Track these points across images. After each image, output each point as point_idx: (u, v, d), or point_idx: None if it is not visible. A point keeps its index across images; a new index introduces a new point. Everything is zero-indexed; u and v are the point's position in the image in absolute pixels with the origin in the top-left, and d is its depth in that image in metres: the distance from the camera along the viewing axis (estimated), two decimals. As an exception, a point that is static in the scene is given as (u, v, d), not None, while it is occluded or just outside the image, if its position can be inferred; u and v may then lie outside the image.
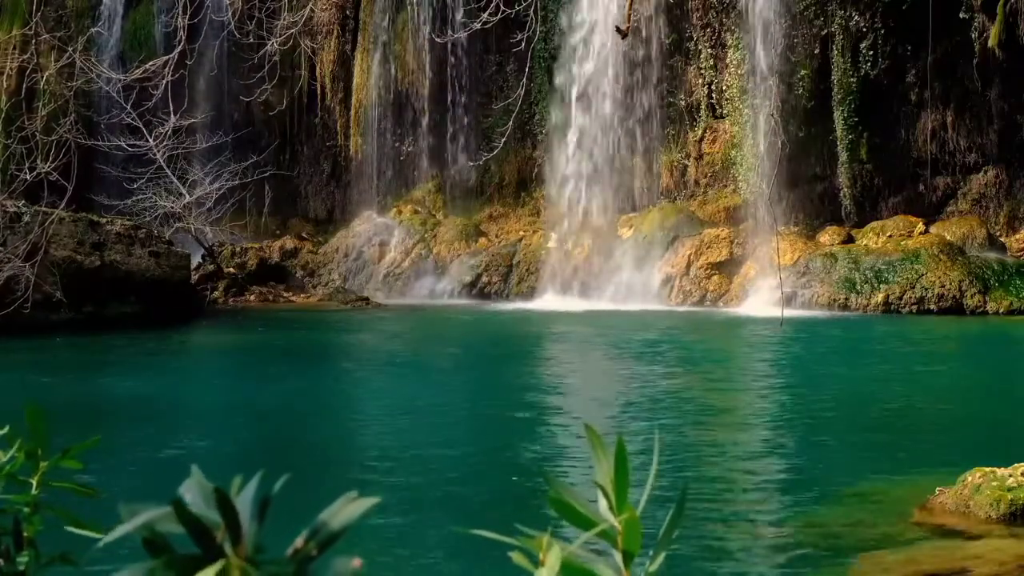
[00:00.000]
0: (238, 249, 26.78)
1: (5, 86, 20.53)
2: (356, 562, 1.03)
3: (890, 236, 22.68)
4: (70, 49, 14.66)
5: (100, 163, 25.03)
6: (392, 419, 11.72)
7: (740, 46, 23.87)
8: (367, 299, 24.34)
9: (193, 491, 1.04)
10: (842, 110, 23.44)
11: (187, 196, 25.16)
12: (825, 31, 23.45)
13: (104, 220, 20.78)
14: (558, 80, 25.16)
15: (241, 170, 26.70)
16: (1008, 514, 7.13)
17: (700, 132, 24.91)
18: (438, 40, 24.31)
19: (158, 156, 21.99)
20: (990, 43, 22.20)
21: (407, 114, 27.76)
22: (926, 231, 22.74)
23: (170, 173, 24.38)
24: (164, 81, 13.94)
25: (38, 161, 12.91)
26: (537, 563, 1.12)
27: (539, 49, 24.54)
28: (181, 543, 1.03)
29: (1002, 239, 23.29)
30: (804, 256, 22.45)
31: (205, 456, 9.53)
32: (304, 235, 28.41)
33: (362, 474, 9.02)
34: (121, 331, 18.33)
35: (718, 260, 23.17)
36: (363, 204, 27.99)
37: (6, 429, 1.85)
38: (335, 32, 28.14)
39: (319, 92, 28.38)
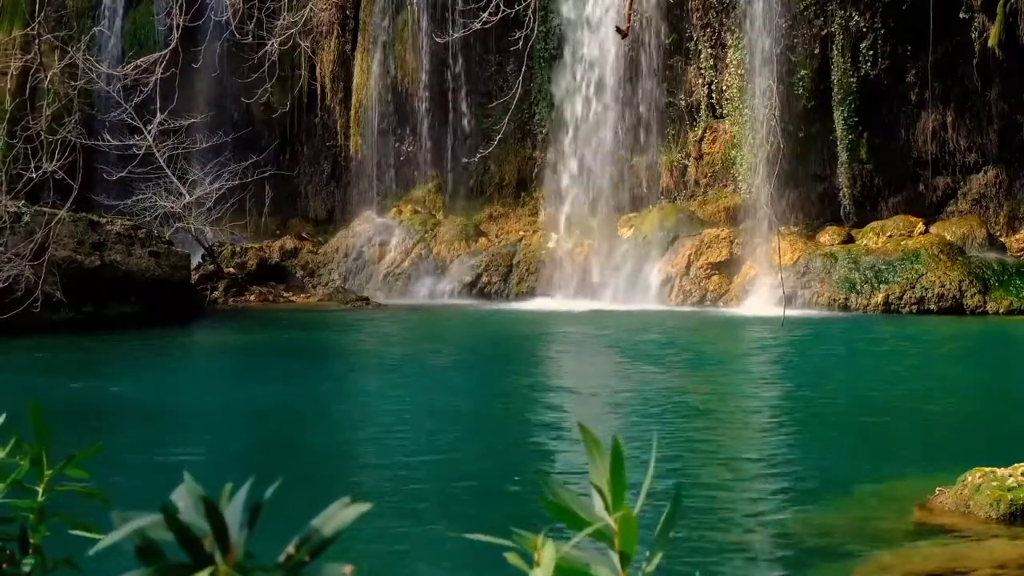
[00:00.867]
0: (238, 249, 26.77)
1: (8, 87, 20.54)
2: (347, 568, 1.03)
3: (890, 236, 22.67)
4: (72, 49, 14.64)
5: (100, 163, 25.02)
6: (392, 419, 11.71)
7: (740, 46, 23.86)
8: (367, 299, 24.33)
9: (185, 498, 1.04)
10: (842, 110, 23.43)
11: (187, 196, 25.15)
12: (825, 31, 23.44)
13: (104, 220, 20.79)
14: (558, 80, 25.17)
15: (241, 170, 26.70)
16: (1008, 514, 7.13)
17: (700, 132, 24.91)
18: (438, 40, 24.29)
19: (156, 153, 21.98)
20: (990, 43, 22.20)
21: (407, 114, 27.76)
22: (926, 231, 22.73)
23: (170, 173, 24.39)
24: (153, 79, 13.93)
25: (44, 161, 12.89)
26: (533, 563, 1.12)
27: (538, 49, 24.55)
28: (175, 551, 1.02)
29: (1002, 239, 23.27)
30: (804, 256, 22.44)
31: (204, 458, 9.54)
32: (304, 235, 28.40)
33: (361, 475, 9.02)
34: (121, 331, 18.34)
35: (718, 260, 23.16)
36: (363, 204, 27.98)
37: (3, 417, 1.85)
38: (335, 32, 28.13)
39: (319, 92, 28.36)
